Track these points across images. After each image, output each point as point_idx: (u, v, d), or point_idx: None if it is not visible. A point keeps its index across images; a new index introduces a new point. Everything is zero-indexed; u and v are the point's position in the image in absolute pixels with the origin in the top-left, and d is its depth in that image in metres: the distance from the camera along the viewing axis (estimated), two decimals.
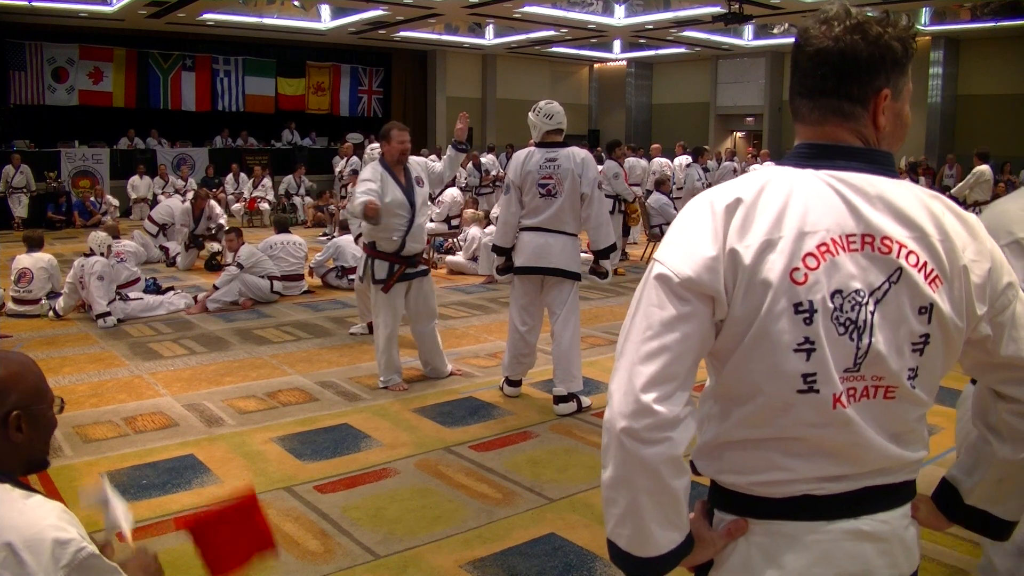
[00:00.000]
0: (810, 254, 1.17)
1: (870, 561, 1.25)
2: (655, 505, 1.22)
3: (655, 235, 11.09)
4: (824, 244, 1.18)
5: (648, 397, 1.17)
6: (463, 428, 4.67)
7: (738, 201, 1.21)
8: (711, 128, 22.05)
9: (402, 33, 18.08)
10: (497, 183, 14.78)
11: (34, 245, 7.78)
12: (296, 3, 16.51)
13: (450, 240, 10.87)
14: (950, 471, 1.43)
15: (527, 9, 15.21)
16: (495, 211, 5.10)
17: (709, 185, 11.23)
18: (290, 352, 6.28)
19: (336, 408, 4.98)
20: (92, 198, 14.74)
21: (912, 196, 1.25)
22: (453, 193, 11.18)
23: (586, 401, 4.95)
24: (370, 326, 6.83)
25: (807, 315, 1.17)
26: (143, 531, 3.42)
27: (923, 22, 16.37)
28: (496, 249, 5.12)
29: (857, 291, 1.19)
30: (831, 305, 1.18)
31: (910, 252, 1.21)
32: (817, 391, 1.19)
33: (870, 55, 1.23)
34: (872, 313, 1.20)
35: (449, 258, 10.32)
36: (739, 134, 22.73)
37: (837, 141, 1.27)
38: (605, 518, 1.28)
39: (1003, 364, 1.30)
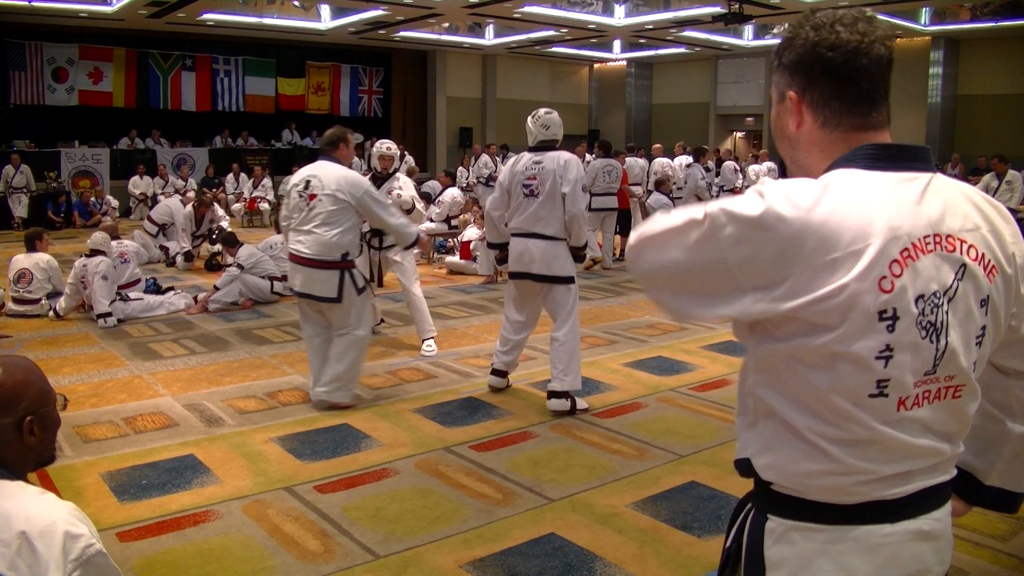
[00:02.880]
0: (895, 261, 1.16)
1: (927, 560, 1.28)
2: None
3: None
4: (906, 249, 1.17)
5: None
6: (463, 428, 4.67)
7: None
8: (711, 128, 22.04)
9: (402, 33, 18.08)
10: (490, 182, 14.81)
11: (31, 244, 7.76)
12: (296, 3, 16.51)
13: (451, 240, 10.88)
14: (959, 457, 1.43)
15: (527, 9, 15.21)
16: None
17: (711, 185, 11.25)
18: (290, 352, 6.27)
19: (336, 408, 4.98)
20: (92, 198, 14.74)
21: (957, 190, 1.27)
22: (453, 193, 11.17)
23: (582, 404, 4.94)
24: (373, 331, 6.84)
25: (890, 322, 1.16)
26: (143, 531, 3.42)
27: (923, 22, 16.38)
28: (490, 245, 5.38)
29: (935, 293, 1.19)
30: (915, 310, 1.17)
31: (970, 247, 1.23)
32: (886, 396, 1.19)
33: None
34: (947, 313, 1.20)
35: (449, 258, 10.33)
36: (739, 134, 22.73)
37: (888, 142, 1.28)
38: None
39: (1022, 340, 1.34)
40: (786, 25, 17.45)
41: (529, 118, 5.07)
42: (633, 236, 1.35)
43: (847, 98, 1.26)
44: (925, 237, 1.19)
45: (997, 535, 3.43)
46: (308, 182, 4.81)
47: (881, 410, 1.20)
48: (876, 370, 1.17)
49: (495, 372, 5.30)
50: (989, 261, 1.24)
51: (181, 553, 3.25)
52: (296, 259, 4.81)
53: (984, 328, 1.25)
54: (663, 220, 1.29)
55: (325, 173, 4.81)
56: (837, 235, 1.14)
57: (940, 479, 1.29)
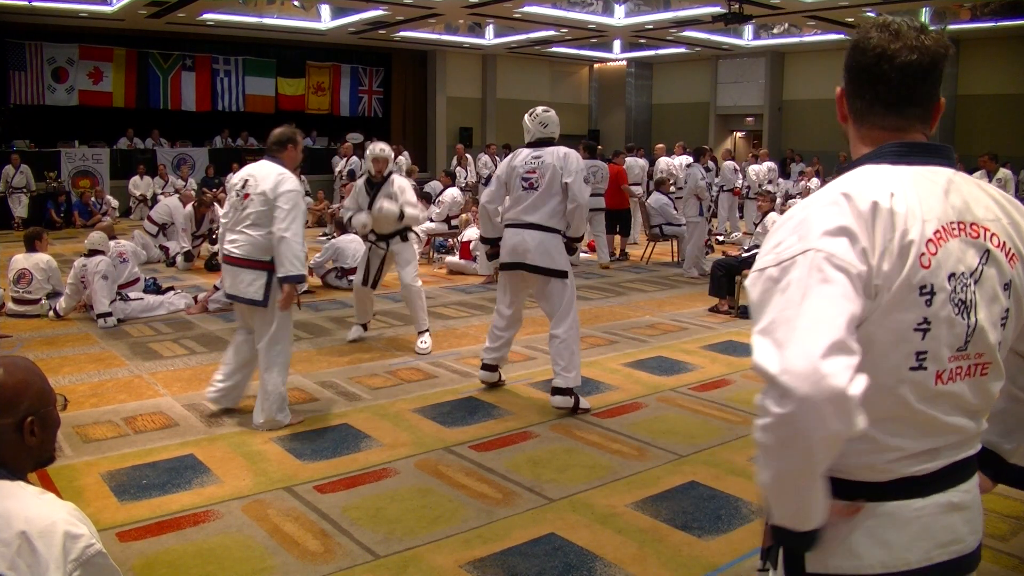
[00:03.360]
0: (930, 240, 1.28)
1: (959, 530, 1.36)
2: None
3: (655, 235, 11.09)
4: (938, 231, 1.29)
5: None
6: (463, 428, 4.67)
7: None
8: (711, 128, 22.04)
9: (402, 33, 18.08)
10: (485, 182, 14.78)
11: (31, 244, 7.75)
12: (296, 3, 16.51)
13: (451, 240, 10.88)
14: (985, 436, 1.51)
15: (527, 9, 15.21)
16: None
17: (711, 185, 11.25)
18: None
19: (336, 408, 4.98)
20: (92, 198, 14.74)
21: (977, 185, 1.38)
22: (453, 193, 11.16)
23: (584, 403, 4.94)
24: (365, 326, 6.80)
25: (928, 297, 1.27)
26: (143, 531, 3.42)
27: (923, 22, 16.36)
28: (482, 239, 5.39)
29: (963, 273, 1.30)
30: (948, 287, 1.28)
31: (992, 234, 1.33)
32: (925, 368, 1.29)
33: (938, 66, 1.36)
34: (974, 293, 1.31)
35: (449, 258, 10.33)
36: (739, 134, 22.73)
37: (918, 141, 1.38)
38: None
39: None
40: (787, 25, 17.46)
41: (527, 115, 5.10)
42: (800, 363, 1.14)
43: (867, 99, 1.38)
44: (951, 223, 1.30)
45: (997, 535, 3.43)
46: (246, 181, 4.64)
47: (921, 385, 1.28)
48: (915, 342, 1.27)
49: (485, 367, 5.34)
50: (1010, 249, 1.34)
51: (181, 553, 3.25)
52: (226, 259, 4.65)
53: (1007, 311, 1.34)
54: (802, 318, 1.17)
55: (262, 173, 4.61)
56: (892, 217, 1.26)
57: (966, 454, 1.37)
